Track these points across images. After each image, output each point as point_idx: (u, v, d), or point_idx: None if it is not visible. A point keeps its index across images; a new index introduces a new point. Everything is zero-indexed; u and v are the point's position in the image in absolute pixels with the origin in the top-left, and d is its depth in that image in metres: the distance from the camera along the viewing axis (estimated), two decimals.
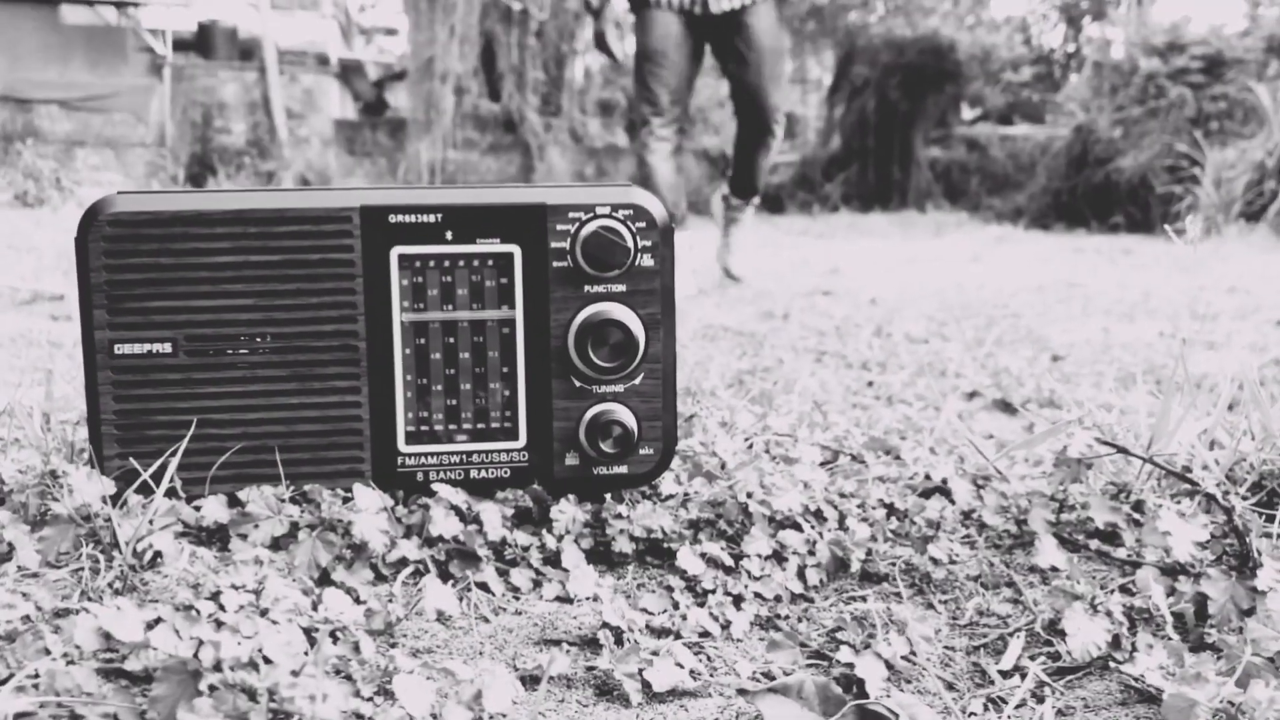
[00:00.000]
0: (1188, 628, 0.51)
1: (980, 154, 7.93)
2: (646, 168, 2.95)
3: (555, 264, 0.63)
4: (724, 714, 0.45)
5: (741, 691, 0.46)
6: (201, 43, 11.82)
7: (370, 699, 0.42)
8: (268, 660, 0.39)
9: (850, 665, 0.47)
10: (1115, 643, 0.48)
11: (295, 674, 0.38)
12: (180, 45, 11.78)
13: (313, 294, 0.62)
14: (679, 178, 3.04)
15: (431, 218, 0.62)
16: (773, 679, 0.47)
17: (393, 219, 0.62)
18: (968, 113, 8.84)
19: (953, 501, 0.69)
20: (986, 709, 0.46)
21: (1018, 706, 0.47)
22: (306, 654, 0.42)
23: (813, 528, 0.61)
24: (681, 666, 0.47)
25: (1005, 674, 0.49)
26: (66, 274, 2.48)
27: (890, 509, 0.65)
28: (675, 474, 0.71)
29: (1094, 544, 0.63)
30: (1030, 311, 2.85)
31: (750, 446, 0.82)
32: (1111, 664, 0.48)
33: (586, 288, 0.64)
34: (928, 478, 0.73)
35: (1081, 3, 9.29)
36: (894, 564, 0.61)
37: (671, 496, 0.66)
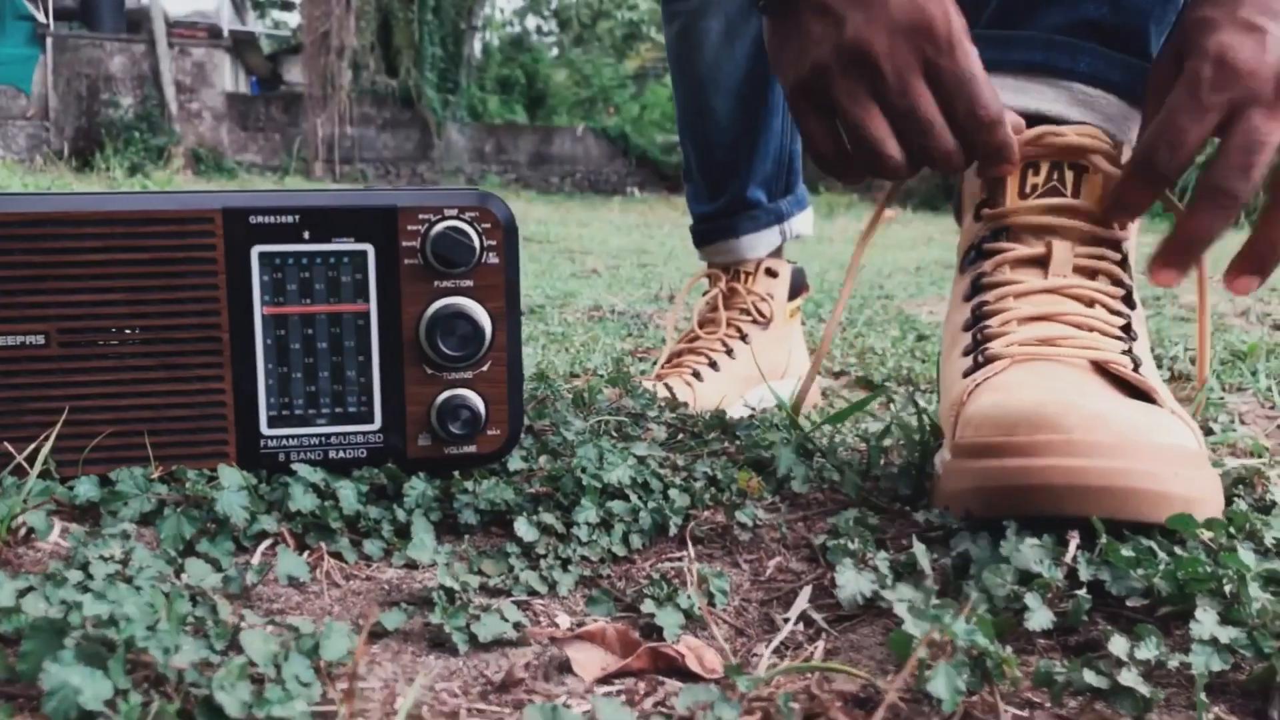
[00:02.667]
0: (948, 580, 0.59)
1: None
2: None
3: (406, 261, 0.69)
4: (538, 659, 0.52)
5: (553, 639, 0.53)
6: (86, 12, 11.43)
7: (220, 652, 0.47)
8: (129, 619, 0.44)
9: (651, 615, 0.54)
10: (879, 593, 0.56)
11: (151, 629, 0.44)
12: (63, 14, 11.38)
13: (178, 289, 0.67)
14: None
15: (290, 218, 0.68)
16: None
17: (253, 220, 0.67)
18: None
19: (774, 472, 0.76)
20: (768, 650, 0.53)
21: (794, 648, 0.54)
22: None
23: (639, 498, 0.68)
24: (506, 620, 0.54)
25: (790, 621, 0.57)
26: None
27: (712, 480, 0.73)
28: (525, 452, 0.77)
29: (897, 507, 0.72)
30: (903, 293, 2.99)
31: (601, 425, 0.89)
32: (880, 607, 0.56)
33: (436, 283, 0.69)
34: (757, 449, 0.81)
35: None
36: (711, 528, 0.68)
37: (518, 472, 0.73)
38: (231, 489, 0.63)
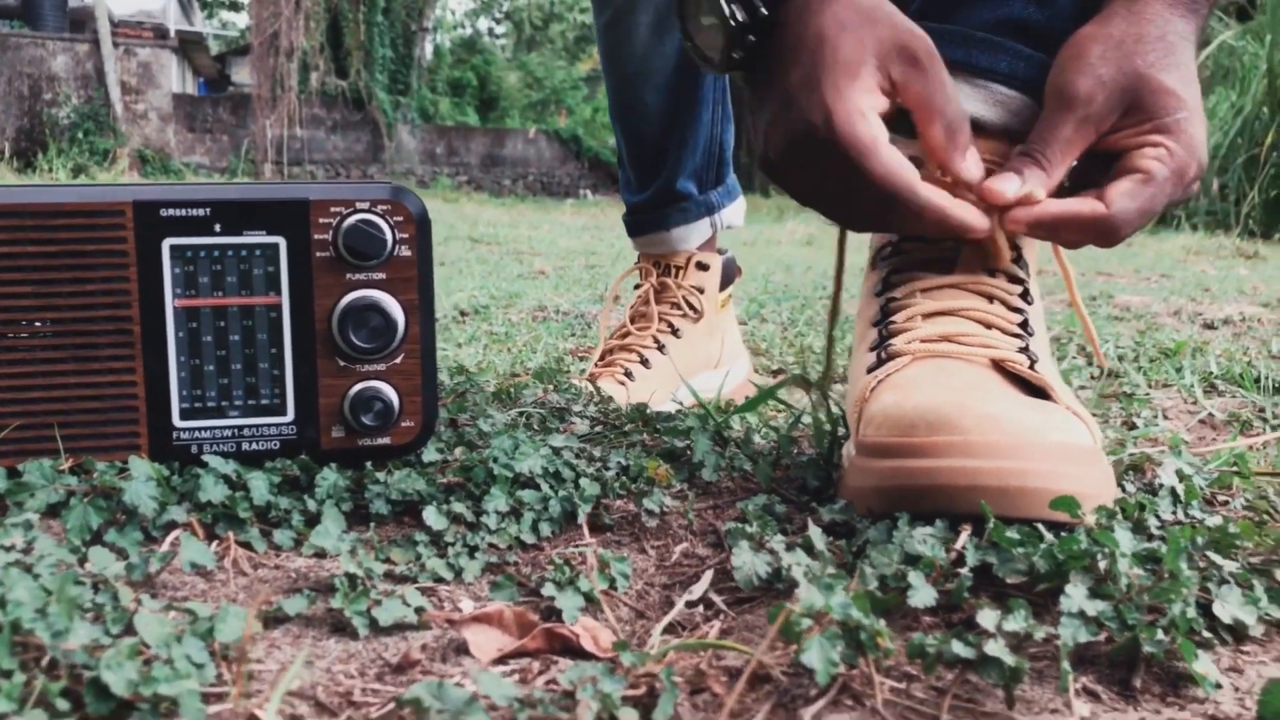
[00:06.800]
0: (846, 563, 0.60)
1: None
2: None
3: (318, 254, 0.70)
4: (437, 641, 0.53)
5: (450, 621, 0.54)
6: (28, 11, 11.24)
7: (115, 635, 0.48)
8: (18, 602, 0.45)
9: (552, 598, 0.56)
10: (776, 574, 0.58)
11: (41, 612, 0.45)
12: (3, 13, 11.19)
13: (89, 282, 0.67)
14: None
15: (201, 211, 0.68)
16: None
17: (164, 213, 0.68)
18: None
19: (692, 461, 0.78)
20: (659, 628, 0.54)
21: (692, 629, 0.56)
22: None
23: (550, 487, 0.69)
24: (408, 605, 0.54)
25: (691, 604, 0.59)
26: None
27: (625, 469, 0.74)
28: (442, 444, 0.78)
29: (805, 499, 0.74)
30: (846, 293, 3.01)
31: (523, 419, 0.90)
32: (778, 589, 0.58)
33: (348, 275, 0.70)
34: (673, 439, 0.82)
35: None
36: (622, 516, 0.70)
37: (433, 464, 0.74)
38: (140, 479, 0.64)
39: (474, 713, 0.41)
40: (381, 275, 0.71)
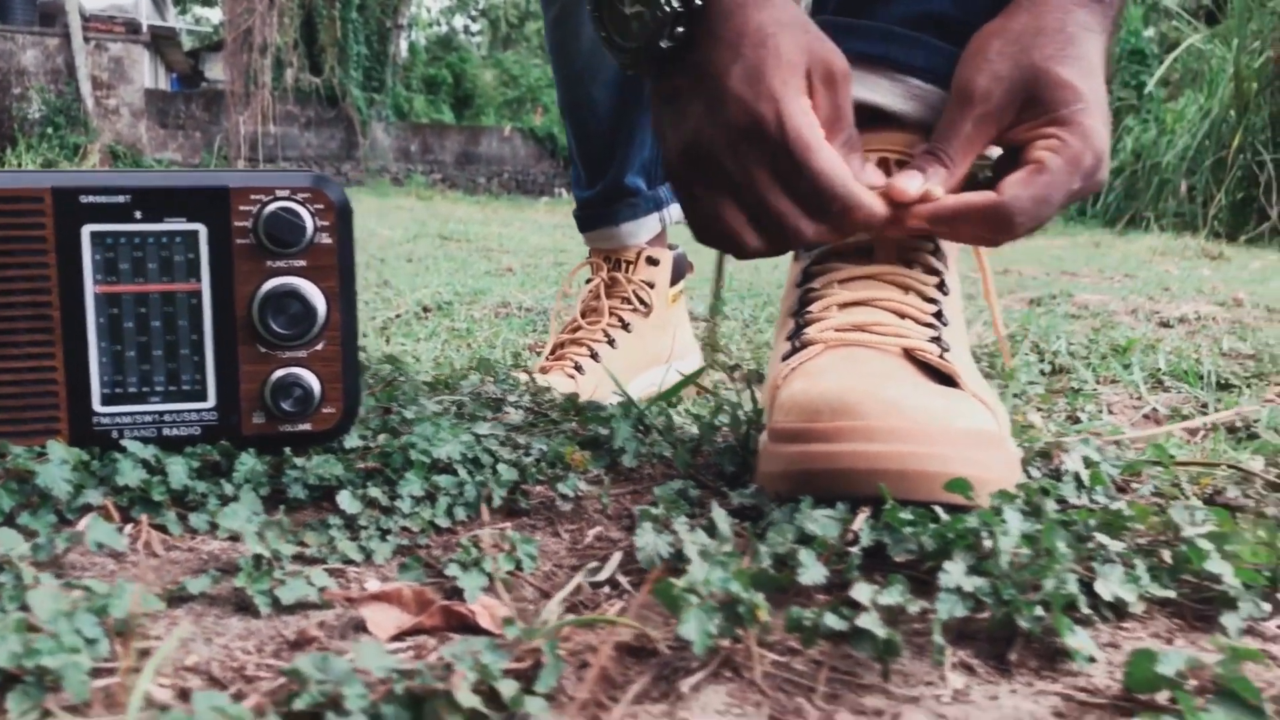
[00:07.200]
0: (750, 544, 0.62)
1: None
2: None
3: (239, 241, 0.71)
4: (337, 619, 0.54)
5: (350, 600, 0.55)
6: None
7: (8, 612, 0.49)
8: None
9: (455, 578, 0.57)
10: (678, 555, 0.59)
11: None
12: None
13: (8, 268, 0.68)
14: None
15: (121, 198, 0.69)
16: None
17: (84, 199, 0.68)
18: None
19: (613, 448, 0.79)
20: (555, 603, 0.55)
21: (594, 607, 0.57)
22: None
23: (468, 472, 0.70)
24: (313, 585, 0.55)
25: (597, 584, 0.60)
26: None
27: (544, 456, 0.75)
28: (368, 430, 0.79)
29: (720, 485, 0.75)
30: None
31: (455, 407, 0.91)
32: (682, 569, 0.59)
33: (269, 263, 0.71)
34: (598, 427, 0.84)
35: None
36: (540, 501, 0.71)
37: (354, 450, 0.75)
38: (55, 463, 0.64)
39: (352, 683, 0.42)
40: (302, 263, 0.72)
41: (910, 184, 0.69)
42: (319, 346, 0.73)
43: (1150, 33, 10.20)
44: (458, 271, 3.60)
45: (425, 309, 2.56)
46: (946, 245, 0.81)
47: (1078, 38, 0.70)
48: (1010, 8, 0.72)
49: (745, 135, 0.67)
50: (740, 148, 0.68)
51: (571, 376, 1.36)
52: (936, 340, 0.74)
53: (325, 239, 0.72)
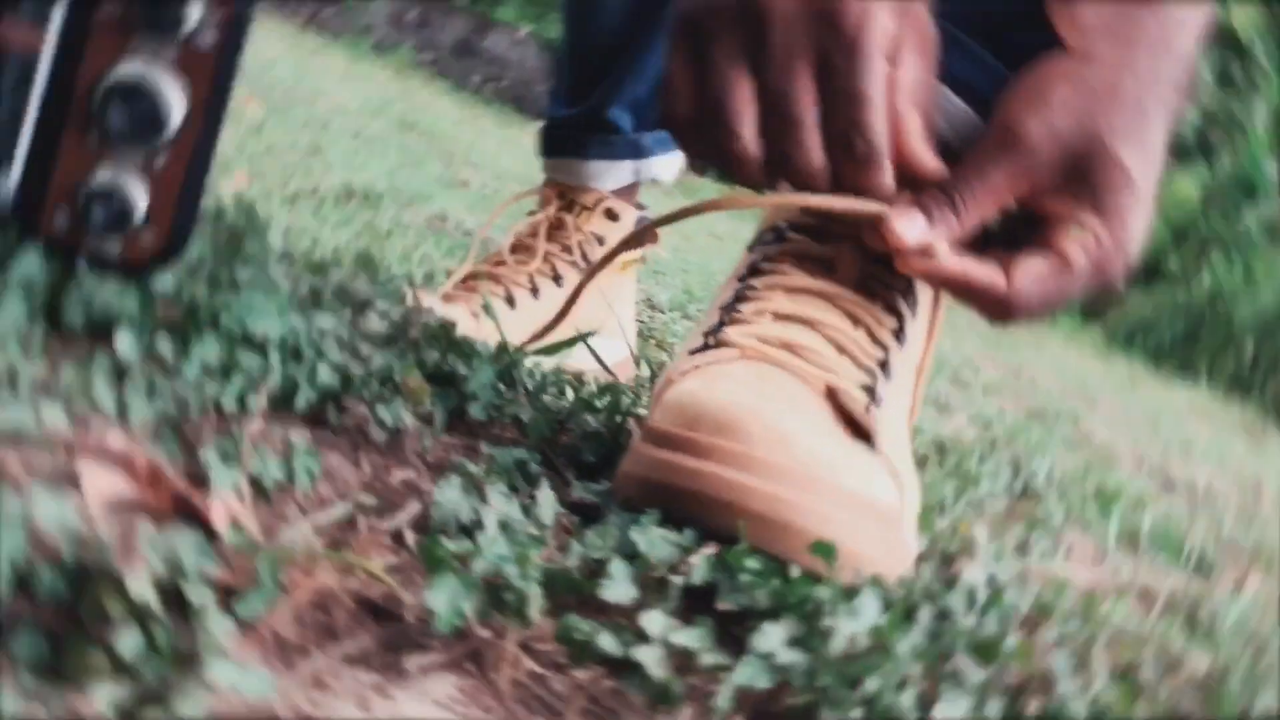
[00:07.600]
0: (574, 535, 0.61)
1: None
2: None
3: (106, 6, 0.68)
4: (51, 465, 0.52)
5: (70, 447, 0.53)
6: None
7: None
8: None
9: (208, 466, 0.55)
10: (478, 523, 0.58)
11: None
12: None
13: None
14: None
15: None
16: None
17: None
18: None
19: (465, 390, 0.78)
20: (329, 544, 0.54)
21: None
22: None
23: (280, 359, 0.69)
24: (40, 419, 0.54)
25: (377, 531, 0.59)
26: None
27: (383, 375, 0.74)
28: (191, 278, 0.77)
29: (570, 471, 0.74)
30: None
31: (303, 288, 0.89)
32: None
33: (132, 42, 0.69)
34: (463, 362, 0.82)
35: None
36: (358, 422, 0.70)
37: (164, 295, 0.73)
38: None
39: (13, 531, 0.40)
40: (173, 54, 0.70)
41: (910, 230, 0.68)
42: (159, 160, 0.71)
43: (1273, 168, 10.34)
44: (405, 166, 3.56)
45: (350, 194, 2.53)
46: (924, 289, 0.80)
47: (1150, 114, 0.68)
48: (1087, 38, 0.69)
49: (815, 13, 0.64)
50: (799, 25, 0.65)
51: (475, 315, 1.34)
52: (869, 390, 0.73)
53: (208, 38, 0.70)
